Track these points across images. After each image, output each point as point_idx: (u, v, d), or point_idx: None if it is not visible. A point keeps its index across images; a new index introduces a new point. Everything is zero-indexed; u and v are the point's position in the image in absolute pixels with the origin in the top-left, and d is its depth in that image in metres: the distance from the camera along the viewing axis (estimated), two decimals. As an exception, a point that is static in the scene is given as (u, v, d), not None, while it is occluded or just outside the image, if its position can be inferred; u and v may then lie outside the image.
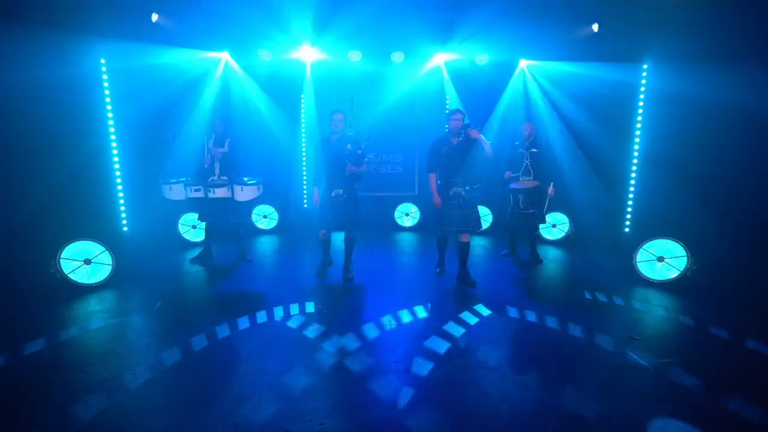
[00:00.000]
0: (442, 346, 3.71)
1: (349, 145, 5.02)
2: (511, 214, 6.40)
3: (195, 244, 7.06)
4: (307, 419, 2.70)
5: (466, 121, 5.21)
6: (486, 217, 8.39)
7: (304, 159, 8.60)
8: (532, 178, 6.13)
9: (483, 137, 5.04)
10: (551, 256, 6.71)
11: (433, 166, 5.35)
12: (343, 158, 5.02)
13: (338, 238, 6.64)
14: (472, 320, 4.27)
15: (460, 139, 5.16)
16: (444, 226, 5.30)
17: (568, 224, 7.47)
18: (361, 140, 5.12)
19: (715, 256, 5.32)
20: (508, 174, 6.31)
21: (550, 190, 6.17)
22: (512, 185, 6.19)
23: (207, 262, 6.16)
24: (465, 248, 5.29)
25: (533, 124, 6.43)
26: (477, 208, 5.30)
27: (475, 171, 5.22)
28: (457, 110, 5.24)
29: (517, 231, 6.59)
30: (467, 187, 5.20)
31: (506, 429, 2.64)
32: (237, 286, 5.28)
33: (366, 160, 5.05)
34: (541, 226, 6.88)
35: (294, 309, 4.51)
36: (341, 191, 5.14)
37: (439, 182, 5.35)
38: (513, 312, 4.49)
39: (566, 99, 7.52)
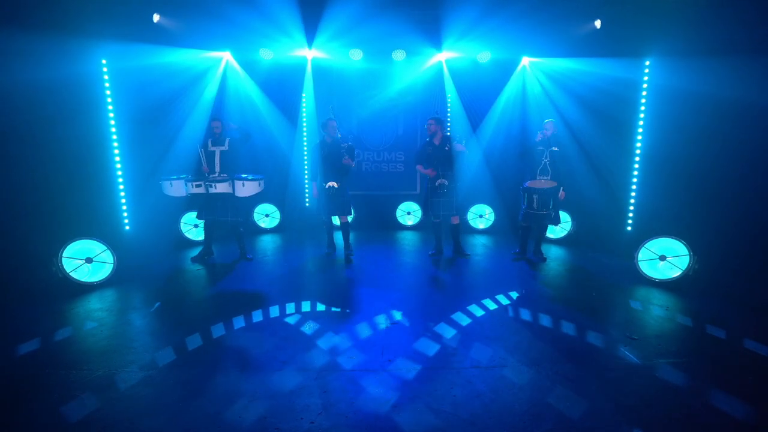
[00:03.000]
0: (434, 346, 3.70)
1: (344, 144, 6.11)
2: (524, 214, 6.20)
3: (197, 243, 7.08)
4: (298, 417, 2.71)
5: (448, 133, 6.28)
6: (488, 215, 8.38)
7: (305, 158, 8.62)
8: (549, 177, 6.02)
9: (462, 146, 6.15)
10: (553, 255, 6.67)
11: (419, 161, 6.32)
12: (339, 157, 6.02)
13: (338, 237, 6.80)
14: (468, 319, 4.25)
15: (441, 142, 6.14)
16: (434, 212, 6.26)
17: (570, 223, 7.41)
18: (349, 140, 6.32)
19: (717, 255, 5.25)
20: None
21: (561, 193, 6.09)
22: (527, 184, 6.06)
23: (207, 260, 6.20)
24: (456, 228, 6.47)
25: (555, 121, 6.28)
26: (458, 196, 6.30)
27: (453, 167, 6.18)
28: (432, 118, 6.19)
29: (529, 231, 6.40)
30: (449, 179, 6.13)
31: (497, 428, 2.63)
32: (236, 285, 5.30)
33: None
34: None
35: (291, 308, 4.52)
36: (335, 184, 6.08)
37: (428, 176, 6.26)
38: (510, 311, 4.47)
39: (568, 96, 7.48)
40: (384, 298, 4.81)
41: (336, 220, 6.50)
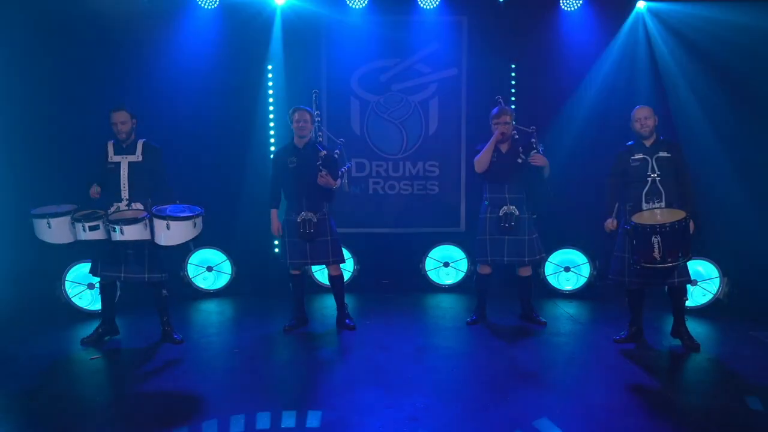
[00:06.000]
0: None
1: (323, 152, 6.18)
2: (634, 269, 5.81)
3: (91, 314, 7.07)
4: None
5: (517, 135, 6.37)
6: (583, 267, 8.30)
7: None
8: (663, 203, 5.80)
9: (544, 158, 6.18)
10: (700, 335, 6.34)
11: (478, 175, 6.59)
12: (312, 170, 6.13)
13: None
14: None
15: (512, 149, 6.38)
16: (493, 255, 6.47)
17: (717, 279, 7.30)
18: (336, 145, 6.57)
19: None
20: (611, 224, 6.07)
21: (691, 226, 5.70)
22: (634, 220, 5.67)
23: (108, 342, 6.18)
24: (528, 283, 6.74)
25: (654, 108, 6.08)
26: (537, 234, 6.50)
27: (525, 190, 6.45)
28: (504, 109, 6.37)
29: (643, 298, 6.17)
30: (520, 208, 6.33)
31: None
32: (155, 385, 5.19)
33: (340, 172, 6.48)
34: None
35: (242, 424, 4.37)
36: (312, 215, 6.27)
37: (486, 201, 6.54)
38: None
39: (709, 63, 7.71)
40: (399, 407, 4.67)
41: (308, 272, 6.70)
